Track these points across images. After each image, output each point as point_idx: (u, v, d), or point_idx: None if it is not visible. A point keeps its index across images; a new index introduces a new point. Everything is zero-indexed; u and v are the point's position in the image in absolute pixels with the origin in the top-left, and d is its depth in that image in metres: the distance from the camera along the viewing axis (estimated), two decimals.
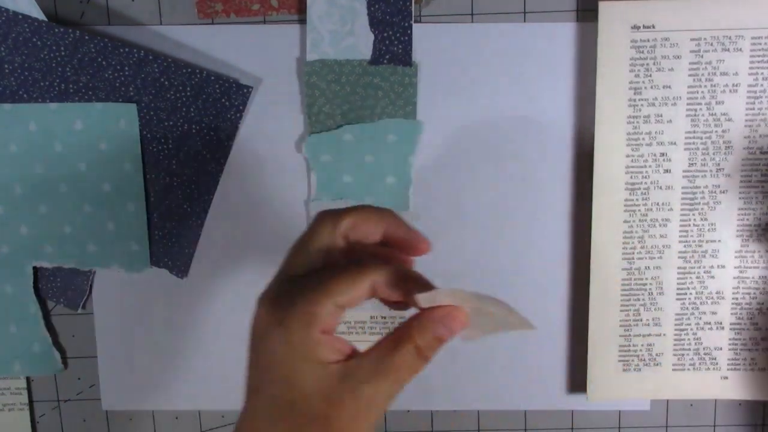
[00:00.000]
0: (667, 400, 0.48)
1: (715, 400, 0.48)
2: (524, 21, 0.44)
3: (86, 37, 0.42)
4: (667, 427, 0.49)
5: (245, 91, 0.43)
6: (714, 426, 0.49)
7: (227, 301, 0.48)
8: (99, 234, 0.46)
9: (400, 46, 0.43)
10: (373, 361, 0.29)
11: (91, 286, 0.48)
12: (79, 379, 0.49)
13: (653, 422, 0.49)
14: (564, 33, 0.44)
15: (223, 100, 0.43)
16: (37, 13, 0.42)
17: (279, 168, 0.46)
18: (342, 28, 0.43)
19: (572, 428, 0.49)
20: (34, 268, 0.47)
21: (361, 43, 0.44)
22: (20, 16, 0.42)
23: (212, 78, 0.43)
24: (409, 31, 0.43)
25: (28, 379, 0.49)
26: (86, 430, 0.50)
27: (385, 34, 0.43)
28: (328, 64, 0.44)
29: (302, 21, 0.44)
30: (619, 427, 0.49)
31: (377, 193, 0.45)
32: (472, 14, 0.44)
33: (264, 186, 0.46)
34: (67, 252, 0.46)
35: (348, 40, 0.43)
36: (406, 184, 0.45)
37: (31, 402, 0.50)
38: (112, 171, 0.45)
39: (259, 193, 0.46)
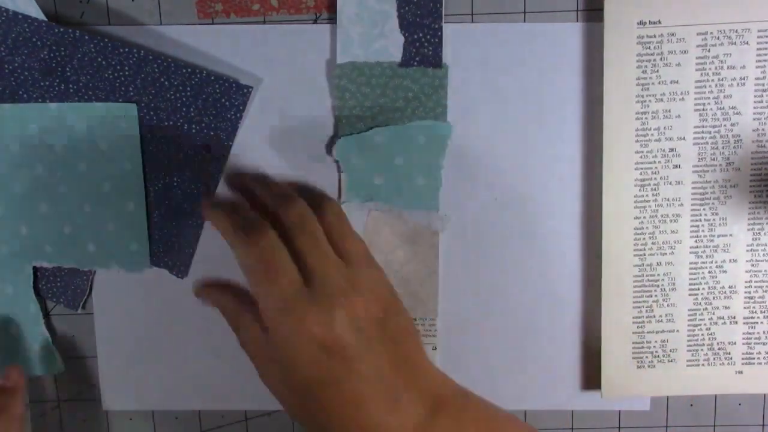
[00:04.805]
0: (667, 399, 0.52)
1: (715, 398, 0.52)
2: (524, 21, 0.48)
3: (86, 37, 0.46)
4: (667, 427, 0.53)
5: (245, 91, 0.47)
6: (714, 426, 0.53)
7: None
8: (99, 234, 0.50)
9: (430, 48, 0.47)
10: None
11: (91, 286, 0.51)
12: (79, 379, 0.53)
13: (653, 422, 0.53)
14: (568, 32, 0.48)
15: (223, 100, 0.47)
16: (36, 13, 0.46)
17: (308, 170, 0.50)
18: (372, 31, 0.47)
19: (572, 428, 0.53)
20: (34, 268, 0.51)
21: (391, 46, 0.47)
22: (20, 16, 0.46)
23: (212, 78, 0.47)
24: (439, 33, 0.47)
25: (28, 379, 0.52)
26: (86, 430, 0.54)
27: (416, 36, 0.47)
28: (358, 67, 0.48)
29: (301, 21, 0.48)
30: (619, 427, 0.53)
31: (407, 195, 0.49)
32: (472, 14, 0.48)
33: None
34: (67, 252, 0.50)
35: (378, 42, 0.47)
36: (436, 186, 0.50)
37: (31, 402, 0.53)
38: (112, 171, 0.49)
39: None
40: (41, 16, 0.47)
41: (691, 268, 0.50)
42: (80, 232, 0.50)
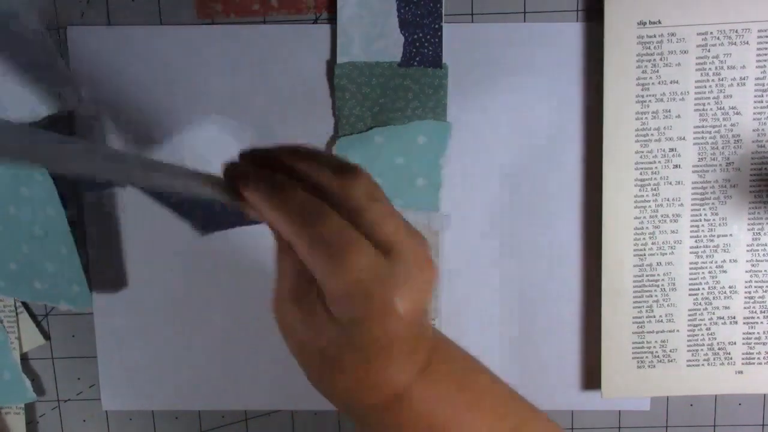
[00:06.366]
0: (667, 399, 0.53)
1: (715, 398, 0.53)
2: (524, 21, 0.48)
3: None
4: (667, 427, 0.53)
5: None
6: (714, 426, 0.53)
7: (227, 302, 0.52)
8: (41, 274, 0.50)
9: (430, 48, 0.48)
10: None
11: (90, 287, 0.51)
12: (79, 379, 0.54)
13: (653, 422, 0.53)
14: (568, 32, 0.48)
15: None
16: (35, 24, 0.46)
17: None
18: (372, 31, 0.47)
19: (572, 428, 0.53)
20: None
21: (391, 46, 0.48)
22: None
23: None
24: (439, 33, 0.47)
25: None
26: (86, 430, 0.55)
27: (416, 36, 0.47)
28: (359, 67, 0.48)
29: (301, 21, 0.48)
30: (619, 427, 0.53)
31: (407, 194, 0.50)
32: (472, 14, 0.48)
33: None
34: (18, 287, 0.50)
35: (378, 42, 0.48)
36: (436, 185, 0.50)
37: (31, 402, 0.54)
38: (40, 215, 0.48)
39: None
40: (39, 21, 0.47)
41: (691, 268, 0.50)
42: (24, 270, 0.50)
